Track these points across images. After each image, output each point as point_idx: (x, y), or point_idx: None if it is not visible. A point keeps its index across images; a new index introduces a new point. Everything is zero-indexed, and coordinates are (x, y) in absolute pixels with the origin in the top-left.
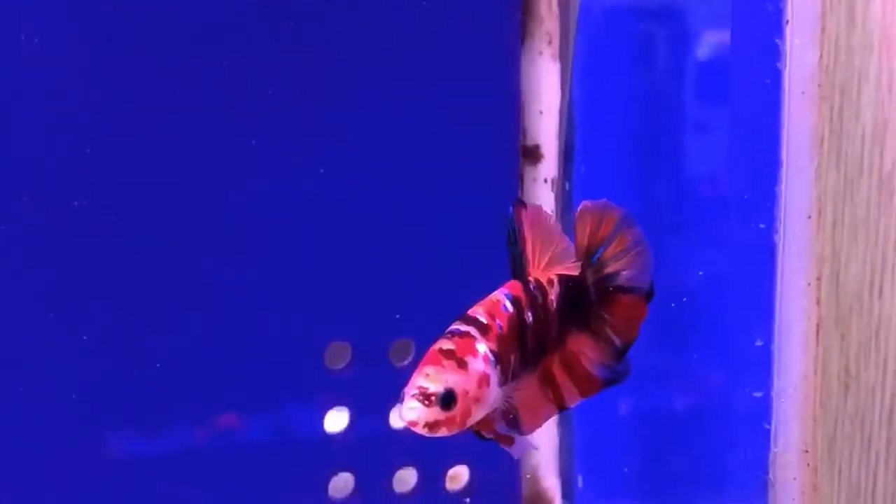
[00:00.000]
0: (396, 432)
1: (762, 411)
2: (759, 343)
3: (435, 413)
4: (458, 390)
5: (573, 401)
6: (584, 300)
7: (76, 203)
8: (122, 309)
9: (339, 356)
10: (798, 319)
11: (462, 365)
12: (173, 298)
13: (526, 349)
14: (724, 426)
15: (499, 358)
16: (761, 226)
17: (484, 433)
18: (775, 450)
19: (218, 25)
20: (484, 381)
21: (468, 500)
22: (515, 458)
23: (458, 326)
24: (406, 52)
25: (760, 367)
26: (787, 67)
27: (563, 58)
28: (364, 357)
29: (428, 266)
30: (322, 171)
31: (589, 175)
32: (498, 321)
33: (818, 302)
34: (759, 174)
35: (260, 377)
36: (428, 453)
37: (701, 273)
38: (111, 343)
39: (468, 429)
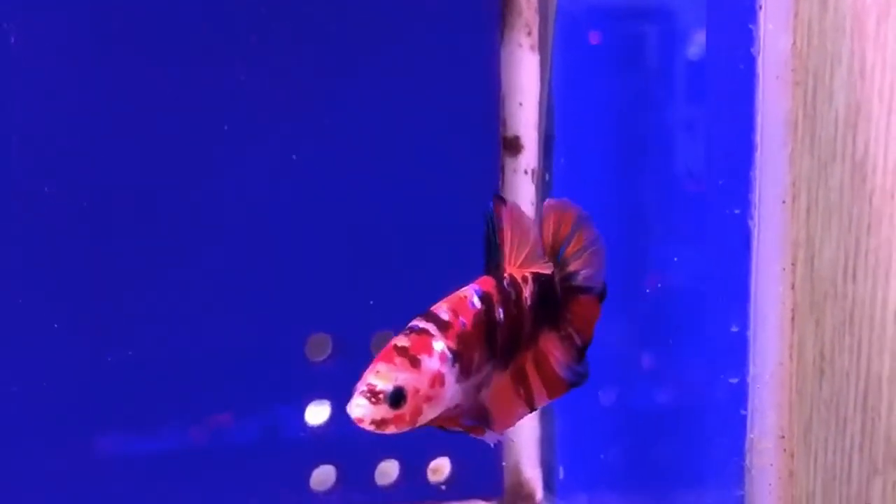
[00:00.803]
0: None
1: (738, 397)
2: (734, 329)
3: (382, 411)
4: (409, 388)
5: (541, 401)
6: (552, 298)
7: (59, 202)
8: (102, 305)
9: (319, 348)
10: (773, 305)
11: (415, 363)
12: (153, 293)
13: (495, 346)
14: (700, 413)
15: (459, 356)
16: (736, 211)
17: (449, 428)
18: (751, 436)
19: (204, 23)
20: (437, 379)
21: (444, 486)
22: (490, 444)
23: (418, 323)
24: (385, 44)
25: (736, 353)
26: (761, 53)
27: (542, 49)
28: (345, 349)
29: (409, 257)
30: (302, 164)
31: (568, 166)
32: (461, 318)
33: (793, 287)
34: (733, 159)
35: (241, 370)
36: (410, 446)
37: (676, 259)
38: (88, 336)
39: (429, 425)
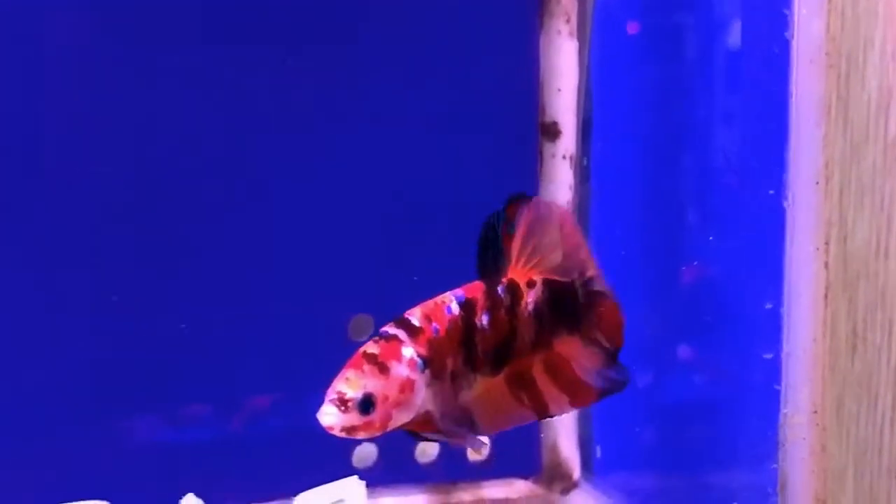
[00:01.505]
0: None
1: (772, 373)
2: (769, 306)
3: (352, 418)
4: (378, 395)
5: (561, 408)
6: (572, 303)
7: (106, 185)
8: (147, 286)
9: (362, 329)
10: (807, 283)
11: (383, 370)
12: (198, 276)
13: (475, 352)
14: (735, 389)
15: (429, 361)
16: (770, 192)
17: (424, 433)
18: (785, 411)
19: (247, 12)
20: (407, 386)
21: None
22: (470, 450)
23: (388, 329)
24: (425, 31)
25: (770, 330)
26: (795, 37)
27: (580, 36)
28: None
29: (449, 239)
30: (344, 148)
31: (606, 151)
32: (434, 324)
33: (826, 266)
34: (768, 142)
35: (284, 351)
36: None
37: (711, 238)
38: (133, 321)
39: (401, 429)
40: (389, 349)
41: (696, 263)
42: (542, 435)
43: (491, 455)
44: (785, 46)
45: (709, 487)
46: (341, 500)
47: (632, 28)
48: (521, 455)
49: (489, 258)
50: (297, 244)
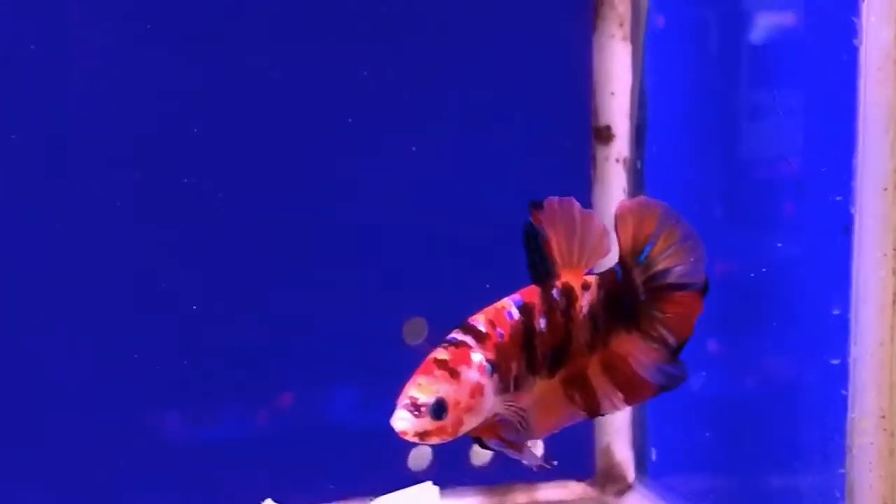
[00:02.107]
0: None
1: (839, 378)
2: (836, 312)
3: (425, 423)
4: (450, 400)
5: (614, 405)
6: (631, 301)
7: (173, 190)
8: (205, 289)
9: (416, 332)
10: (874, 289)
11: (455, 375)
12: (255, 278)
13: (535, 356)
14: (802, 394)
15: (497, 366)
16: (838, 198)
17: (487, 440)
18: (852, 416)
19: (322, 19)
20: (477, 390)
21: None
22: (529, 465)
23: (455, 335)
24: (481, 37)
25: (837, 335)
26: (864, 44)
27: (634, 40)
28: (441, 332)
29: (502, 243)
30: (403, 155)
31: (661, 154)
32: (499, 329)
33: (894, 272)
34: (835, 148)
35: (340, 353)
36: None
37: (779, 245)
38: (194, 323)
39: (468, 435)
40: (459, 355)
41: (763, 270)
42: (596, 437)
43: (545, 458)
44: (853, 54)
45: (771, 492)
46: None
47: (659, 22)
48: (575, 457)
49: (537, 264)
50: (353, 246)
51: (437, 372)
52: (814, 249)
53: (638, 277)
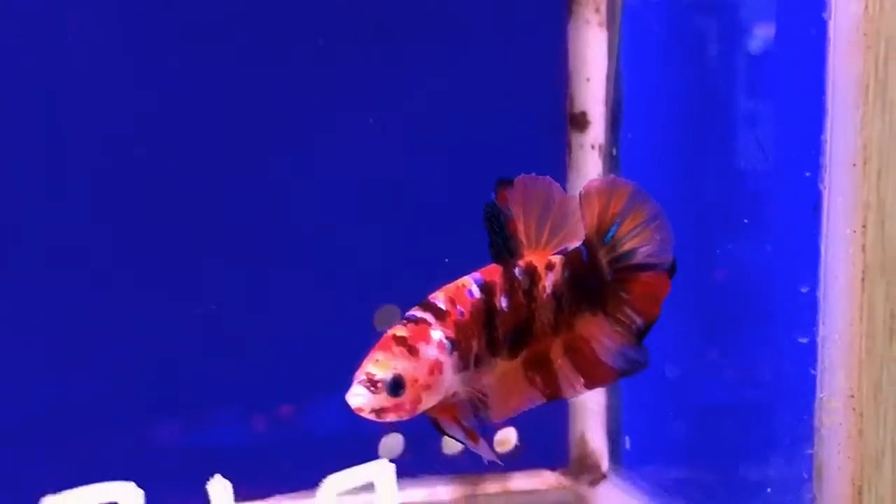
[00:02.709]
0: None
1: (808, 358)
2: (804, 290)
3: (381, 399)
4: (407, 377)
5: (575, 390)
6: (597, 281)
7: (140, 180)
8: (171, 280)
9: (388, 319)
10: (843, 267)
11: (413, 352)
12: (224, 268)
13: (495, 336)
14: (769, 374)
15: (457, 345)
16: (807, 174)
17: (445, 425)
18: (821, 396)
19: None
20: (436, 368)
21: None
22: (484, 458)
23: (415, 312)
24: (455, 21)
25: (806, 313)
26: (833, 17)
27: (610, 25)
28: None
29: (476, 230)
30: (369, 139)
31: (636, 141)
32: (459, 307)
33: (864, 249)
34: (805, 124)
35: (308, 341)
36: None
37: (746, 221)
38: (158, 324)
39: (427, 418)
40: (419, 331)
41: (729, 247)
42: (570, 426)
43: (518, 446)
44: (822, 27)
45: (742, 475)
46: (370, 483)
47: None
48: (548, 446)
49: (499, 243)
50: (322, 236)
51: (396, 348)
52: (781, 226)
53: (603, 258)
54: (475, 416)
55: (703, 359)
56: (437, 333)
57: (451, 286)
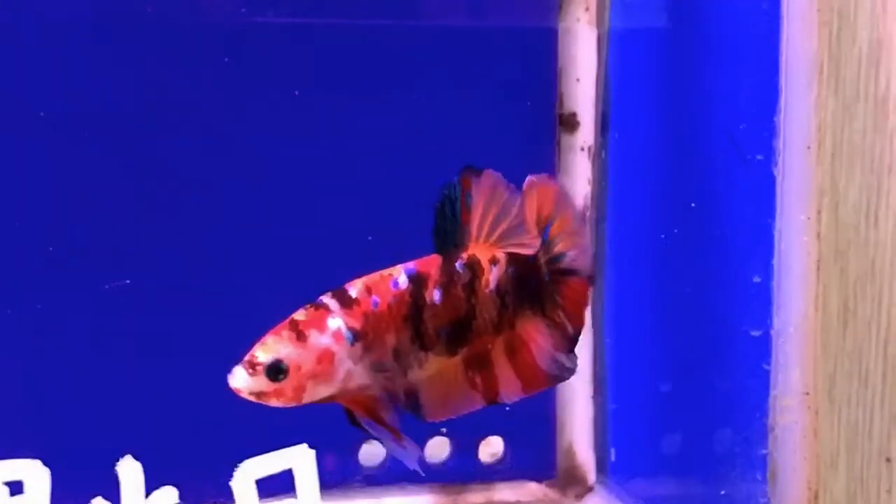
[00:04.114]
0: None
1: (761, 352)
2: (757, 279)
3: (261, 383)
4: (290, 363)
5: (512, 394)
6: (538, 280)
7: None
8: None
9: None
10: (798, 255)
11: (301, 338)
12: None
13: (424, 330)
14: (722, 368)
15: (362, 336)
16: (759, 157)
17: (359, 417)
18: (774, 392)
19: None
20: (326, 357)
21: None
22: (407, 462)
23: (323, 298)
24: (443, 20)
25: (759, 304)
26: None
27: (599, 25)
28: None
29: None
30: (356, 137)
31: (623, 142)
32: (374, 297)
33: (818, 236)
34: (758, 105)
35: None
36: (462, 424)
37: (693, 205)
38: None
39: (336, 403)
40: (315, 318)
41: (675, 231)
42: (557, 438)
43: (504, 456)
44: (776, 3)
45: (704, 479)
46: (289, 469)
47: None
48: (535, 457)
49: (446, 231)
50: (307, 238)
51: (285, 333)
52: (735, 213)
53: (542, 256)
54: (403, 413)
55: (659, 350)
56: (335, 322)
57: (375, 275)
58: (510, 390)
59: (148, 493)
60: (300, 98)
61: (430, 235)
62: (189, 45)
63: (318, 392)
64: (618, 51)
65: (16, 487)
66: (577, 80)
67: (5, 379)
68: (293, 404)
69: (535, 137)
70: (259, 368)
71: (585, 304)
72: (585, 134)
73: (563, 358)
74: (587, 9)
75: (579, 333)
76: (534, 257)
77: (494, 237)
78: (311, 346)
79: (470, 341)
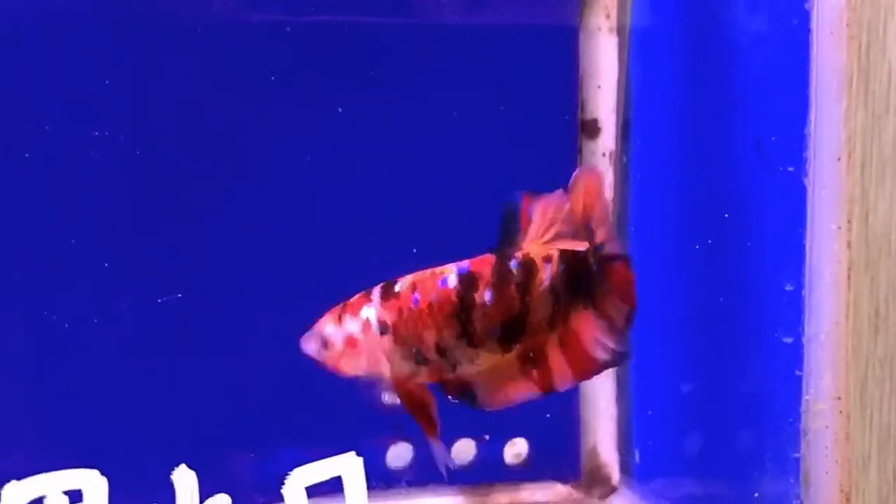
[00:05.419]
0: (454, 404)
1: (793, 358)
2: (789, 288)
3: (315, 350)
4: (328, 340)
5: (567, 383)
6: (587, 274)
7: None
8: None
9: None
10: (829, 263)
11: (340, 320)
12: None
13: (472, 328)
14: (755, 374)
15: (393, 328)
16: (790, 168)
17: (406, 404)
18: (807, 397)
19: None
20: (350, 342)
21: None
22: (438, 461)
23: (376, 287)
24: (465, 28)
25: (791, 312)
26: (815, 7)
27: (620, 32)
28: None
29: (488, 238)
30: (383, 147)
31: (645, 148)
32: (416, 294)
33: (849, 245)
34: (788, 116)
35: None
36: (487, 425)
37: (727, 216)
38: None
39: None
40: (356, 305)
41: (709, 242)
42: (582, 438)
43: (529, 458)
44: (805, 18)
45: (735, 483)
46: (338, 476)
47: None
48: (560, 458)
49: (509, 231)
50: (329, 246)
51: (335, 311)
52: (766, 222)
53: (589, 247)
54: (463, 403)
55: (691, 361)
56: (367, 312)
57: (425, 272)
58: (565, 380)
59: (202, 501)
60: (330, 102)
61: (457, 239)
62: (181, 46)
63: (350, 369)
64: (639, 57)
65: (75, 496)
66: (599, 86)
67: (64, 390)
68: (335, 373)
69: (557, 143)
70: (314, 339)
71: (633, 283)
72: (607, 140)
73: (614, 344)
74: (608, 16)
75: (633, 312)
76: (583, 252)
77: (549, 236)
78: (343, 330)
79: (524, 338)
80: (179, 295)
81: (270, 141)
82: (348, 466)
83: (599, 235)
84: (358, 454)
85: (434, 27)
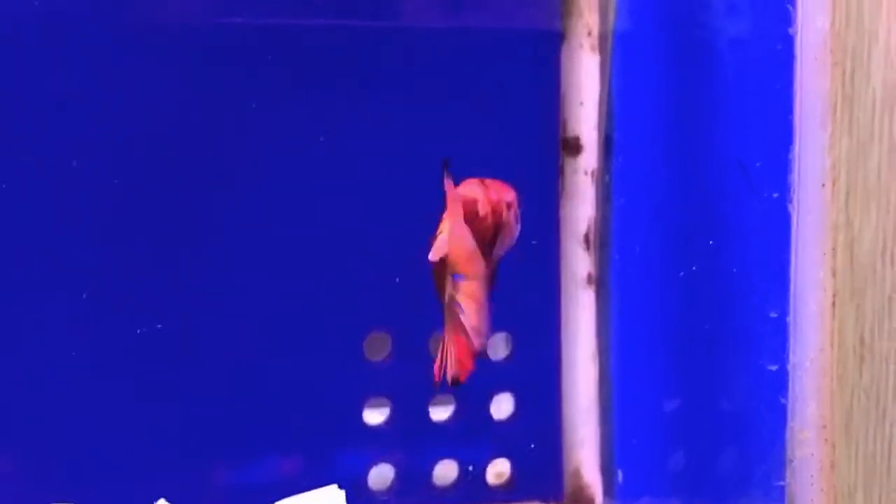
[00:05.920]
0: (437, 424)
1: (778, 386)
2: (773, 314)
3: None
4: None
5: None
6: None
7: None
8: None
9: (378, 347)
10: (813, 291)
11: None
12: (214, 295)
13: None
14: (739, 402)
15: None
16: (774, 195)
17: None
18: (792, 425)
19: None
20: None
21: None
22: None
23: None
24: (446, 44)
25: (776, 339)
26: (799, 33)
27: (602, 49)
28: (404, 349)
29: None
30: (362, 163)
31: (627, 166)
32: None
33: (833, 273)
34: (772, 143)
35: (299, 368)
36: (469, 446)
37: (711, 242)
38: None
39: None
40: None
41: (693, 268)
42: (565, 459)
43: (511, 478)
44: (789, 43)
45: None
46: None
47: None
48: (543, 479)
49: None
50: (314, 261)
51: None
52: (751, 248)
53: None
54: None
55: (678, 389)
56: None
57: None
58: None
59: None
60: (317, 105)
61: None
62: (179, 48)
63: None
64: (622, 76)
65: None
66: (581, 103)
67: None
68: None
69: (539, 161)
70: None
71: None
72: (589, 158)
73: None
74: (589, 33)
75: None
76: None
77: None
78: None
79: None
80: (159, 326)
81: (252, 144)
82: (330, 499)
83: None
84: (338, 475)
85: (416, 43)
